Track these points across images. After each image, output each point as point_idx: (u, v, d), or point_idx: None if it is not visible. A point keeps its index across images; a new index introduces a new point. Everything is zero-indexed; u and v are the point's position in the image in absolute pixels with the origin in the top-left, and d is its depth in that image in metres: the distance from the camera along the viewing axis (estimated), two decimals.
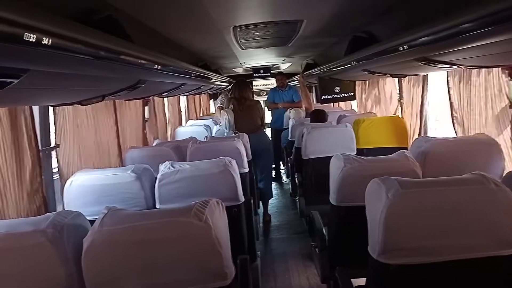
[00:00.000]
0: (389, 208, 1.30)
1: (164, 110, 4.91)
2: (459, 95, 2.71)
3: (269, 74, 6.71)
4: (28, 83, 1.11)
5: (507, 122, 2.27)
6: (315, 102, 6.38)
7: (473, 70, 2.47)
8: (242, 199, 2.25)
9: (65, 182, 2.19)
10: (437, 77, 3.35)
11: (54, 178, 2.31)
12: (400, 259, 1.33)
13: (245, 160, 3.06)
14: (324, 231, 2.50)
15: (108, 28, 1.43)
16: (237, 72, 6.92)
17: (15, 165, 1.84)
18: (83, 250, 1.25)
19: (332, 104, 6.68)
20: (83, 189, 2.15)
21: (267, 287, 2.96)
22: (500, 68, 2.24)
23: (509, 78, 2.16)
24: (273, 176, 5.73)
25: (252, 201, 2.85)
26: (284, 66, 6.63)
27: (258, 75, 6.79)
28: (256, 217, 3.37)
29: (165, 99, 4.95)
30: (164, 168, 2.17)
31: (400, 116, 3.96)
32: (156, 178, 2.18)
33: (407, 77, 3.53)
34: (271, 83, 6.72)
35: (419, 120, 3.51)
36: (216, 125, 5.19)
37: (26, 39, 0.78)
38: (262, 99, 6.22)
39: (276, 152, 5.54)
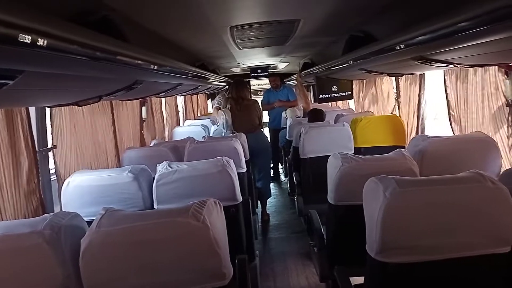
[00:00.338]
0: (386, 206, 1.31)
1: (162, 110, 4.91)
2: (456, 94, 2.72)
3: (267, 73, 6.70)
4: (24, 84, 1.11)
5: (503, 120, 2.28)
6: (312, 102, 6.39)
7: (469, 68, 2.48)
8: (240, 198, 2.25)
9: (63, 183, 2.19)
10: (435, 76, 3.36)
11: (51, 179, 2.31)
12: (398, 257, 1.34)
13: (243, 159, 3.06)
14: (322, 230, 2.50)
15: (104, 29, 1.43)
16: (234, 72, 6.91)
17: (12, 166, 1.83)
18: (81, 251, 1.25)
19: (329, 103, 6.69)
20: (81, 190, 2.14)
21: (266, 286, 2.96)
22: (496, 67, 2.25)
23: (506, 76, 2.17)
24: (272, 175, 5.73)
25: (250, 200, 2.85)
26: (281, 66, 6.62)
27: (255, 74, 6.78)
28: (255, 217, 3.37)
29: (163, 99, 4.94)
30: (161, 168, 2.16)
31: (397, 115, 3.97)
32: (153, 178, 2.18)
33: (404, 76, 3.54)
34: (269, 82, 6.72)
35: (416, 119, 3.52)
36: (213, 125, 5.19)
37: (21, 40, 0.77)
38: (259, 99, 6.21)
39: (274, 152, 5.54)
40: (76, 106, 2.31)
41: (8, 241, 1.24)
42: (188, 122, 5.97)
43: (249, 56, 4.86)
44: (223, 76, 6.03)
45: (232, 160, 2.29)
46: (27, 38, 0.79)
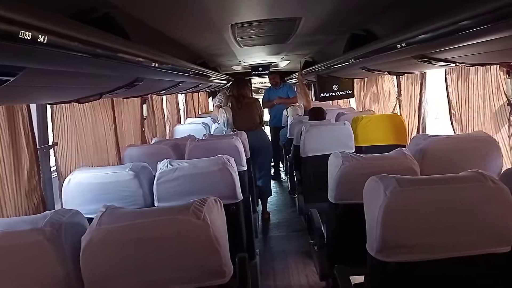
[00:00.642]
0: (387, 205, 1.31)
1: (163, 108, 4.91)
2: (457, 93, 2.72)
3: (268, 71, 6.71)
4: (25, 81, 1.11)
5: (505, 120, 2.27)
6: (313, 100, 6.38)
7: (471, 68, 2.47)
8: (241, 197, 2.25)
9: (63, 180, 2.19)
10: (436, 75, 3.35)
11: (52, 177, 2.31)
12: (398, 256, 1.34)
13: (244, 158, 3.06)
14: (322, 229, 2.50)
15: (105, 26, 1.43)
16: (235, 70, 6.91)
17: (12, 163, 1.83)
18: (81, 248, 1.25)
19: (330, 102, 6.68)
20: (81, 187, 2.15)
21: (266, 285, 2.96)
22: (498, 66, 2.24)
23: (507, 75, 2.16)
24: (272, 174, 5.73)
25: (250, 199, 2.85)
26: (282, 64, 6.62)
27: (256, 72, 6.79)
28: (255, 215, 3.37)
29: (163, 97, 4.94)
30: (162, 166, 2.16)
31: (398, 113, 3.97)
32: (154, 176, 2.18)
33: (406, 74, 3.53)
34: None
35: (417, 118, 3.51)
36: (214, 123, 5.19)
37: (22, 36, 0.77)
38: (260, 97, 6.22)
39: (275, 150, 5.54)
40: (77, 104, 2.32)
41: (9, 238, 1.25)
42: (189, 120, 5.97)
43: (250, 54, 4.85)
44: (224, 74, 6.02)
45: (233, 158, 2.29)
46: (28, 35, 0.79)
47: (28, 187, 1.92)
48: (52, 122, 2.29)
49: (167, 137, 4.77)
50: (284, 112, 5.62)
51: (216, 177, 2.15)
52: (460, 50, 1.60)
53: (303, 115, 5.18)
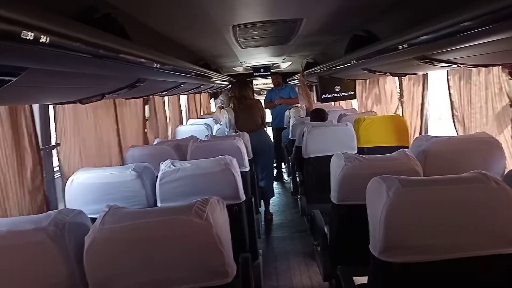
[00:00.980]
0: (389, 206, 1.30)
1: (165, 109, 4.92)
2: (459, 94, 2.71)
3: (269, 73, 6.72)
4: (27, 82, 1.11)
5: (507, 121, 2.27)
6: (315, 101, 6.39)
7: (473, 69, 2.47)
8: (243, 197, 2.25)
9: (66, 181, 2.20)
10: (439, 76, 3.35)
11: (55, 177, 2.32)
12: (401, 257, 1.34)
13: (246, 158, 3.06)
14: (325, 230, 2.50)
15: (106, 27, 1.43)
16: (237, 71, 6.92)
17: (16, 164, 1.84)
18: (85, 248, 1.26)
19: (332, 103, 6.69)
20: (84, 187, 2.15)
21: (269, 285, 2.96)
22: (500, 67, 2.24)
23: (509, 76, 2.16)
24: (274, 175, 5.73)
25: (253, 199, 2.85)
26: (284, 65, 6.63)
27: (258, 74, 6.80)
28: (258, 216, 3.37)
29: (165, 98, 4.95)
30: (164, 166, 2.17)
31: (400, 115, 3.96)
32: (157, 176, 2.19)
33: (408, 76, 3.53)
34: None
35: (420, 119, 3.51)
36: (216, 124, 5.20)
37: (24, 37, 0.78)
38: (262, 98, 6.23)
39: (277, 151, 5.55)
40: (80, 104, 2.33)
41: (13, 237, 1.25)
42: (191, 121, 5.98)
43: (251, 56, 4.86)
44: (225, 75, 6.04)
45: (235, 159, 2.29)
46: (30, 35, 0.79)
47: (32, 187, 1.93)
48: (54, 122, 2.30)
49: (169, 138, 4.78)
50: (286, 113, 5.63)
51: (219, 177, 2.16)
52: (462, 51, 1.59)
53: (305, 116, 5.18)
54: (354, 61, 2.78)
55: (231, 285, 1.32)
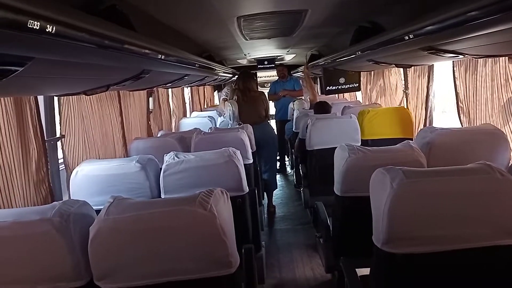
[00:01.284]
0: (393, 197, 1.30)
1: (169, 101, 4.92)
2: (465, 86, 2.69)
3: (274, 65, 6.69)
4: (33, 72, 1.12)
5: None
6: (319, 94, 6.36)
7: (479, 60, 2.45)
8: (247, 189, 2.25)
9: (71, 172, 2.21)
10: (444, 69, 3.32)
11: (60, 169, 2.33)
12: (405, 248, 1.34)
13: (249, 151, 3.06)
14: (328, 222, 2.50)
15: (112, 18, 1.43)
16: (241, 64, 6.90)
17: (21, 155, 1.85)
18: (90, 238, 1.27)
19: (336, 95, 6.66)
20: (89, 179, 2.16)
21: (271, 277, 2.98)
22: (507, 57, 2.22)
23: None
24: (278, 167, 5.74)
25: (256, 191, 2.86)
26: (288, 57, 6.60)
27: (262, 66, 6.78)
28: (261, 208, 3.38)
29: (169, 90, 4.95)
30: (168, 158, 2.17)
31: (405, 107, 3.94)
32: (160, 168, 2.19)
33: (413, 67, 3.50)
34: (276, 74, 6.71)
35: (425, 111, 3.49)
36: (220, 116, 5.20)
37: (30, 26, 0.78)
38: (266, 91, 6.22)
39: (281, 144, 5.54)
40: (84, 96, 2.33)
41: (18, 228, 1.26)
42: (194, 113, 5.98)
43: (256, 48, 4.84)
44: (229, 67, 6.02)
45: (239, 151, 2.29)
46: (36, 25, 0.79)
47: (36, 178, 1.94)
48: (59, 114, 2.31)
49: (173, 130, 4.79)
50: (290, 105, 5.62)
51: (222, 169, 2.16)
52: (469, 41, 1.58)
53: (309, 109, 5.16)
54: (359, 52, 2.76)
55: (234, 276, 1.33)
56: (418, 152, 2.00)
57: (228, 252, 1.30)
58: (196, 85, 6.07)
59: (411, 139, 2.81)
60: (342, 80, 4.84)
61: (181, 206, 1.29)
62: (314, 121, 3.47)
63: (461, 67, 2.72)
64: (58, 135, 2.32)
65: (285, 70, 6.20)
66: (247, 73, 4.52)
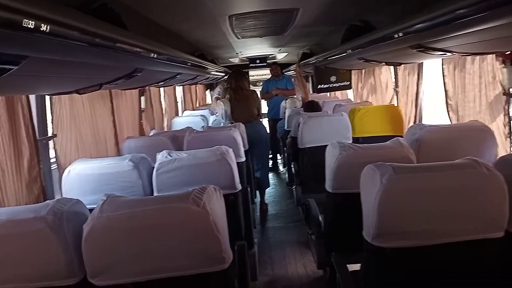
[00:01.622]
0: (383, 192, 1.33)
1: (160, 100, 4.92)
2: (453, 83, 2.73)
3: (266, 64, 6.71)
4: (27, 71, 1.12)
5: (500, 109, 2.30)
6: (311, 92, 6.40)
7: (467, 58, 2.49)
8: (239, 187, 2.27)
9: (63, 172, 2.21)
10: (434, 68, 3.36)
11: (52, 168, 2.33)
12: (394, 242, 1.37)
13: (242, 149, 3.07)
14: (320, 219, 2.53)
15: (104, 17, 1.43)
16: (233, 62, 6.91)
17: (13, 154, 1.85)
18: (83, 236, 1.27)
19: (328, 93, 6.70)
20: (81, 178, 2.16)
21: (264, 274, 2.99)
22: (494, 55, 2.26)
23: (503, 65, 2.18)
24: (270, 166, 5.76)
25: (249, 189, 2.87)
26: (280, 56, 6.62)
27: (254, 65, 6.79)
28: (253, 206, 3.40)
29: (161, 89, 4.94)
30: (161, 157, 2.18)
31: (395, 104, 3.98)
32: (153, 167, 2.20)
33: (403, 65, 3.55)
34: (268, 73, 6.74)
35: (414, 108, 3.53)
36: (212, 115, 5.20)
37: (25, 25, 0.79)
38: (258, 89, 6.24)
39: (273, 142, 5.56)
40: (76, 95, 2.33)
41: (12, 226, 1.26)
42: (187, 112, 5.98)
43: (248, 46, 4.85)
44: (221, 66, 6.02)
45: (231, 149, 2.31)
46: (31, 24, 0.80)
47: (29, 178, 1.94)
48: (51, 114, 2.30)
49: (165, 129, 4.78)
50: (282, 104, 5.64)
51: (215, 167, 2.17)
52: (456, 39, 1.61)
53: (301, 107, 5.19)
54: (350, 50, 2.79)
55: (227, 271, 1.35)
56: (408, 148, 2.04)
57: (221, 248, 1.32)
58: (188, 84, 6.06)
59: (402, 136, 2.84)
60: (333, 78, 4.88)
61: (175, 203, 1.30)
62: (305, 119, 3.50)
63: (450, 64, 2.77)
64: (50, 134, 2.31)
65: (279, 69, 6.23)
66: (239, 72, 4.53)
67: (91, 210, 1.36)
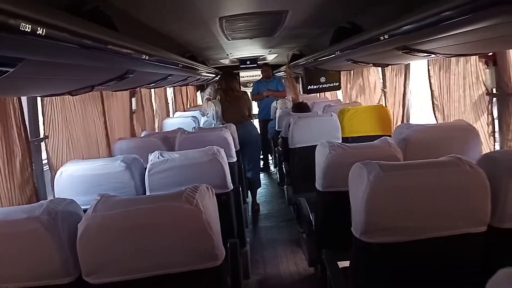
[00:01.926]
0: (370, 189, 1.38)
1: (151, 102, 4.92)
2: (439, 83, 2.80)
3: (256, 65, 6.74)
4: (22, 73, 1.14)
5: (484, 109, 2.37)
6: (301, 93, 6.45)
7: (452, 59, 2.56)
8: (231, 186, 2.30)
9: (55, 173, 2.21)
10: (421, 69, 3.43)
11: (44, 169, 2.33)
12: (381, 238, 1.41)
13: (233, 149, 3.10)
14: (311, 217, 2.57)
15: (95, 20, 1.45)
16: (223, 64, 6.94)
17: (5, 156, 1.85)
18: (78, 235, 1.29)
19: (318, 94, 6.76)
20: (74, 179, 2.17)
21: (256, 273, 3.03)
22: (477, 56, 2.33)
23: (486, 66, 2.25)
24: (261, 166, 5.79)
25: (240, 189, 2.90)
26: (270, 57, 6.66)
27: (244, 66, 6.82)
28: (245, 206, 3.43)
29: (152, 90, 4.95)
30: (153, 157, 2.20)
31: (383, 104, 4.05)
32: (145, 168, 2.21)
33: (390, 66, 3.61)
34: (258, 74, 6.78)
35: (402, 108, 3.60)
36: (203, 116, 5.22)
37: (22, 29, 0.81)
38: (249, 91, 6.27)
39: (264, 143, 5.60)
40: (67, 97, 2.34)
41: (6, 226, 1.28)
42: (178, 113, 5.98)
43: (238, 48, 4.88)
44: (212, 67, 6.04)
45: (223, 149, 2.34)
46: (28, 27, 0.82)
47: (21, 179, 1.94)
48: (42, 115, 2.31)
49: (156, 131, 4.79)
50: (273, 104, 5.68)
51: (207, 167, 2.19)
52: (441, 41, 1.66)
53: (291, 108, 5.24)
54: (338, 52, 2.84)
55: (220, 268, 1.38)
56: (395, 147, 2.09)
57: (214, 245, 1.35)
58: (179, 85, 6.07)
59: (390, 136, 2.90)
60: (323, 79, 4.93)
61: (168, 202, 1.33)
62: (296, 120, 3.55)
63: (435, 66, 2.84)
64: (41, 135, 2.32)
65: (270, 70, 6.23)
66: (229, 73, 4.56)
67: (84, 211, 1.37)
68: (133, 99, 3.97)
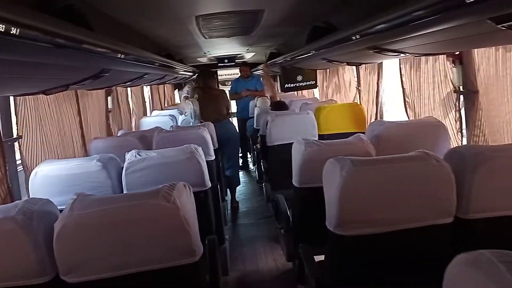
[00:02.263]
0: (343, 184, 1.43)
1: (128, 100, 4.87)
2: (410, 82, 2.90)
3: (234, 63, 6.75)
4: None
5: (452, 106, 2.46)
6: (279, 91, 6.51)
7: (422, 58, 2.65)
8: (209, 184, 2.31)
9: (29, 174, 2.18)
10: (394, 66, 3.53)
11: (18, 170, 2.29)
12: (354, 230, 1.47)
13: (211, 148, 3.11)
14: (288, 213, 2.62)
15: (67, 17, 1.44)
16: (201, 62, 6.91)
17: None
18: (55, 235, 1.29)
19: (296, 93, 6.84)
20: (49, 179, 2.14)
21: (235, 270, 3.06)
22: (445, 56, 2.42)
23: (453, 64, 2.34)
24: (240, 164, 5.82)
25: (219, 187, 2.92)
26: (248, 56, 6.68)
27: (222, 64, 6.82)
28: (224, 203, 3.45)
29: (128, 89, 4.89)
30: (130, 156, 2.19)
31: (358, 102, 4.15)
32: (122, 167, 2.20)
33: (364, 65, 3.70)
34: (236, 72, 6.78)
35: (375, 106, 3.70)
36: (181, 115, 5.19)
37: None
38: (227, 89, 6.28)
39: (243, 141, 5.63)
40: (41, 96, 2.30)
41: None
42: (155, 112, 5.93)
43: (215, 46, 4.89)
44: (189, 66, 6.02)
45: (201, 147, 2.35)
46: (1, 27, 0.82)
47: None
48: (15, 115, 2.27)
49: (133, 130, 4.74)
50: (252, 103, 5.70)
51: (185, 165, 2.20)
52: (410, 41, 1.72)
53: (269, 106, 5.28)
54: (313, 51, 2.89)
55: (198, 264, 1.40)
56: (368, 144, 2.16)
57: (192, 242, 1.37)
58: (156, 84, 6.02)
59: (364, 133, 2.98)
60: (299, 78, 5.00)
61: (145, 200, 1.34)
62: (273, 118, 3.59)
63: (406, 64, 2.93)
64: (15, 135, 2.27)
65: (249, 70, 6.18)
66: (207, 71, 4.57)
67: (60, 211, 1.37)
68: (109, 98, 3.91)
